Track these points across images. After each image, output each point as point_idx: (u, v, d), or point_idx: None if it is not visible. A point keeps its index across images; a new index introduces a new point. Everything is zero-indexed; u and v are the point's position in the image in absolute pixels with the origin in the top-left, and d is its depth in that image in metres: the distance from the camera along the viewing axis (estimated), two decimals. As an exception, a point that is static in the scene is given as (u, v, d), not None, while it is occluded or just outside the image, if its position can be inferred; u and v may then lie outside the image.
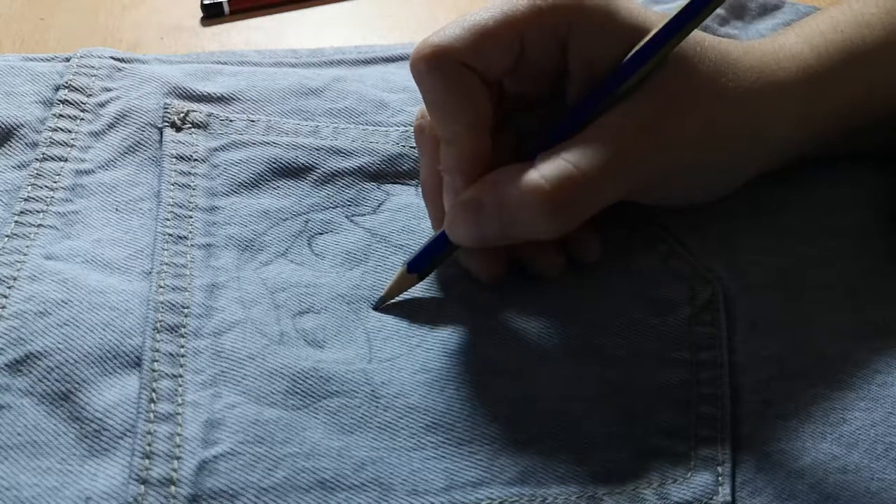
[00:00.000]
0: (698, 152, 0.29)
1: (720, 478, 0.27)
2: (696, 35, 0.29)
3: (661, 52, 0.27)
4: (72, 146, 0.34)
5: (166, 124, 0.35)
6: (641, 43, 0.28)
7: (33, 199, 0.32)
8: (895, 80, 0.33)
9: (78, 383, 0.26)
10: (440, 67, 0.27)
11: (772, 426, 0.28)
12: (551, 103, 0.30)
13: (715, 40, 0.30)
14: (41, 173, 0.33)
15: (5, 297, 0.28)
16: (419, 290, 0.31)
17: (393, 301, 0.31)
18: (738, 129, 0.30)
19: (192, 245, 0.31)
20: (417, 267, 0.30)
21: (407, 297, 0.31)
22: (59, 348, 0.27)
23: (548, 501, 0.26)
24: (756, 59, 0.30)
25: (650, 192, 0.30)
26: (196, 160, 0.34)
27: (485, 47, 0.27)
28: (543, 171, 0.26)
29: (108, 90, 0.37)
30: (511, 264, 0.31)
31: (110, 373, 0.27)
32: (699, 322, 0.31)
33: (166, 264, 0.30)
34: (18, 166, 0.33)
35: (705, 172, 0.31)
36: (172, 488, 0.24)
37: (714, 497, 0.26)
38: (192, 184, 0.33)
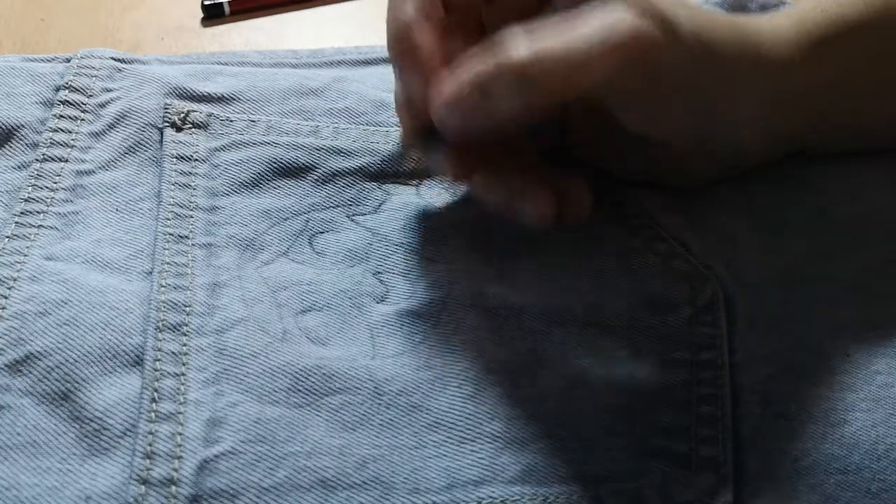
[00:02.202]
0: (675, 104, 0.30)
1: (721, 478, 0.26)
2: None
3: None
4: (72, 147, 0.34)
5: (167, 124, 0.35)
6: None
7: (34, 199, 0.32)
8: (874, 61, 0.33)
9: (78, 383, 0.26)
10: None
11: (772, 426, 0.28)
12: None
13: (703, 8, 0.31)
14: (41, 174, 0.33)
15: (5, 297, 0.28)
16: (422, 288, 0.31)
17: (395, 303, 0.31)
18: (718, 97, 0.31)
19: (193, 244, 0.31)
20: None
21: (409, 295, 0.31)
22: (59, 348, 0.27)
23: (549, 500, 0.26)
24: (739, 33, 0.31)
25: (628, 120, 0.31)
26: (196, 160, 0.34)
27: None
28: (516, 42, 0.27)
29: (109, 91, 0.37)
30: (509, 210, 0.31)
31: (110, 372, 0.27)
32: (699, 322, 0.31)
33: (167, 263, 0.30)
34: (19, 167, 0.33)
35: (685, 137, 0.31)
36: (173, 488, 0.24)
37: (715, 497, 0.26)
38: (192, 184, 0.33)
